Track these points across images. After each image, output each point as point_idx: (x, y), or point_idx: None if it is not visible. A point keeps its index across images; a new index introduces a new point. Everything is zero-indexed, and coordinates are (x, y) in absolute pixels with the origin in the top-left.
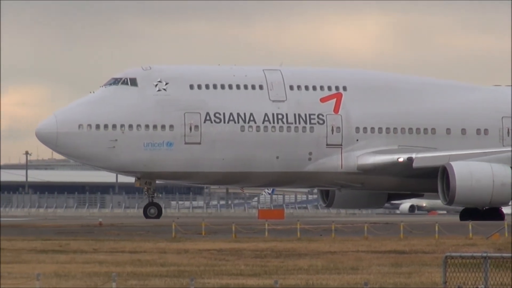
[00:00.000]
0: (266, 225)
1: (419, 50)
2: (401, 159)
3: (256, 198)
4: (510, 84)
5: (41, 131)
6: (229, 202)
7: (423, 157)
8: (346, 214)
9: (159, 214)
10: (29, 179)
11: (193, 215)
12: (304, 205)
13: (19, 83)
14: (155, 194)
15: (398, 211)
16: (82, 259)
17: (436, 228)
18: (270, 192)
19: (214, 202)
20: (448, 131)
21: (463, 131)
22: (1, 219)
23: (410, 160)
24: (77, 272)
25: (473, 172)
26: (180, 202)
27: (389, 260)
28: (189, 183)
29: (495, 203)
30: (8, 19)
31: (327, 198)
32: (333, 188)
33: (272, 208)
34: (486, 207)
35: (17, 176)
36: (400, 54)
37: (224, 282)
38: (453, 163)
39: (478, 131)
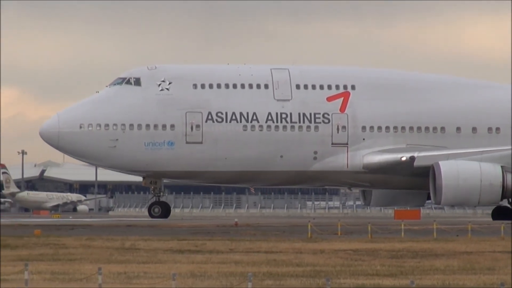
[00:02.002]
0: (402, 225)
1: None
2: (403, 158)
3: None
4: None
5: (44, 131)
6: None
7: (424, 156)
8: (482, 214)
9: (166, 213)
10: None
11: (329, 215)
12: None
13: None
14: (161, 193)
15: None
16: (218, 259)
17: None
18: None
19: (350, 203)
20: (458, 129)
21: (474, 129)
22: (139, 219)
23: (412, 159)
24: (212, 272)
25: (460, 171)
26: (316, 203)
27: None
28: (195, 183)
29: (484, 203)
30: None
31: (366, 197)
32: (344, 187)
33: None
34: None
35: None
36: None
37: (360, 282)
38: (441, 163)
39: (489, 129)
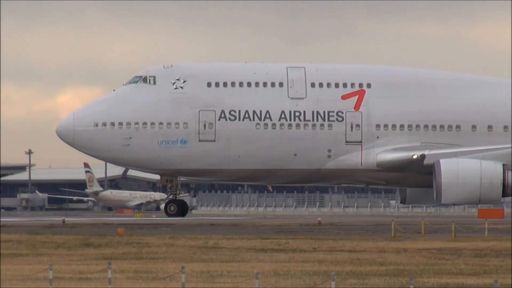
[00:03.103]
0: (486, 224)
1: None
2: (415, 156)
3: None
4: None
5: (60, 129)
6: None
7: (434, 154)
8: None
9: (182, 212)
10: None
11: (412, 214)
12: None
13: None
14: (178, 191)
15: None
16: (301, 258)
17: None
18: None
19: None
20: (473, 127)
21: (489, 127)
22: (222, 218)
23: (423, 157)
24: (296, 271)
25: (460, 169)
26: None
27: None
28: (207, 181)
29: (484, 200)
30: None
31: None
32: (360, 185)
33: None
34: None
35: None
36: None
37: (443, 281)
38: (441, 161)
39: (505, 127)
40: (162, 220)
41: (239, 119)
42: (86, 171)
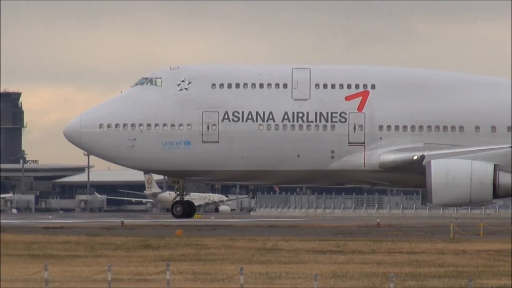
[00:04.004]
0: None
1: None
2: (415, 157)
3: None
4: None
5: (67, 131)
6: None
7: (433, 155)
8: None
9: (188, 213)
10: None
11: (471, 215)
12: None
13: None
14: (185, 192)
15: None
16: (359, 260)
17: None
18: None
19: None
20: (477, 128)
21: (493, 128)
22: (281, 220)
23: (423, 158)
24: (354, 273)
25: (450, 170)
26: None
27: None
28: (210, 181)
29: (475, 201)
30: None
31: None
32: (366, 186)
33: None
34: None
35: None
36: None
37: (502, 282)
38: (432, 161)
39: (508, 128)
40: (221, 222)
41: (242, 120)
42: (145, 173)
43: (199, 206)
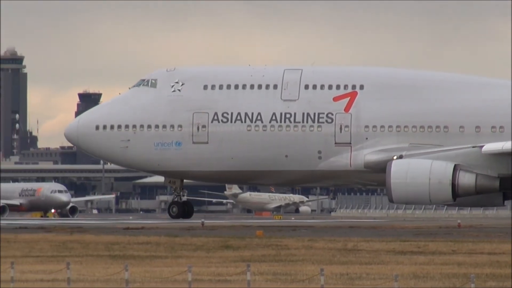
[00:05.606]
0: None
1: None
2: (395, 157)
3: None
4: None
5: (66, 132)
6: None
7: (410, 155)
8: None
9: (185, 214)
10: None
11: None
12: None
13: None
14: (182, 193)
15: None
16: (440, 260)
17: None
18: None
19: None
20: (461, 128)
21: (477, 128)
22: (361, 220)
23: (401, 158)
24: (435, 274)
25: (409, 170)
26: None
27: None
28: (203, 181)
29: (435, 201)
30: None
31: None
32: (358, 186)
33: None
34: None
35: None
36: None
37: None
38: (393, 162)
39: (493, 128)
40: (301, 222)
41: (231, 121)
42: None
43: (279, 206)
